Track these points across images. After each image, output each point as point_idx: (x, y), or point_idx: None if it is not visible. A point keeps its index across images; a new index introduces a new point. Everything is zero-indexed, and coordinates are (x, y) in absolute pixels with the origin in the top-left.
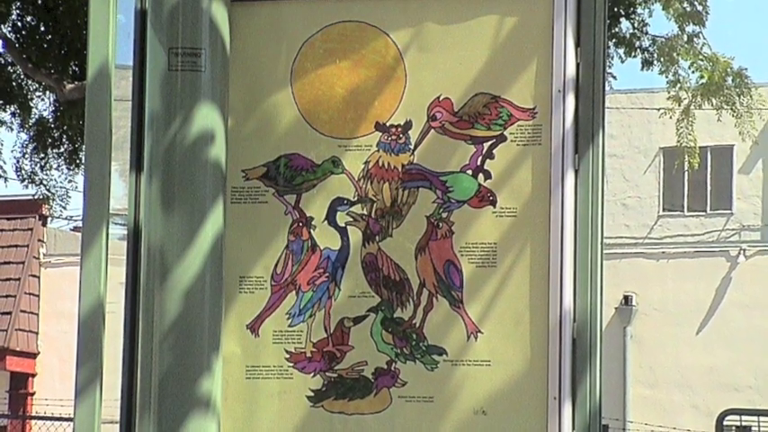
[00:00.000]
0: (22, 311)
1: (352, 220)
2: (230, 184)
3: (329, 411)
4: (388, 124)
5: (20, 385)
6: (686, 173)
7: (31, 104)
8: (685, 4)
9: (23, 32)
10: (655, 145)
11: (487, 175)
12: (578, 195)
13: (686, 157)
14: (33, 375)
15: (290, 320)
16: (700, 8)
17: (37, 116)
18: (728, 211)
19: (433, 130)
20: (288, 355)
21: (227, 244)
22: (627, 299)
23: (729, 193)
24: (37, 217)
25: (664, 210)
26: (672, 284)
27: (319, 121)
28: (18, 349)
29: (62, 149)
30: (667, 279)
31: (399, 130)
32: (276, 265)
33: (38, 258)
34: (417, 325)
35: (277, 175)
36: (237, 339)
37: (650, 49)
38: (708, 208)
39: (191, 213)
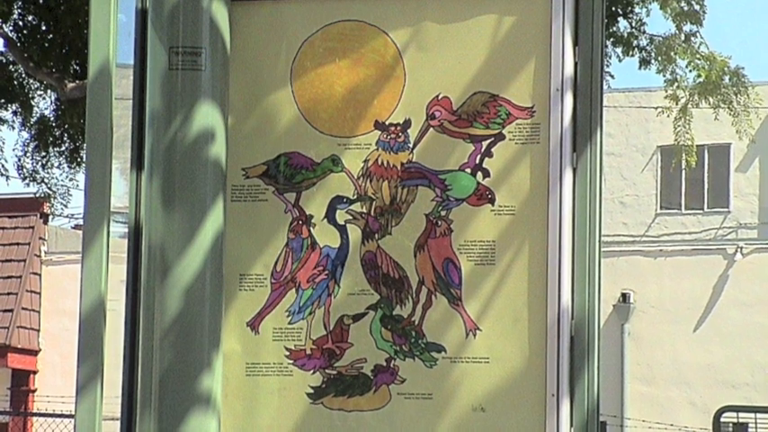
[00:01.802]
0: (23, 309)
1: (351, 218)
2: (230, 182)
3: (329, 408)
4: (387, 123)
5: (21, 382)
6: (683, 171)
7: (33, 103)
8: (683, 4)
9: (25, 32)
10: (652, 143)
11: (486, 174)
12: (576, 193)
13: (683, 155)
14: (35, 372)
15: (289, 318)
16: (697, 7)
17: (38, 115)
18: (726, 210)
19: (431, 129)
20: (288, 353)
21: (228, 242)
22: (624, 296)
23: (726, 191)
24: (38, 215)
25: (661, 208)
26: (669, 282)
27: (319, 120)
28: (19, 346)
29: (63, 148)
30: (665, 277)
31: (398, 128)
32: (276, 263)
33: (39, 256)
34: (416, 322)
35: (277, 174)
36: (238, 336)
37: (648, 48)
38: (705, 206)
39: (191, 211)
